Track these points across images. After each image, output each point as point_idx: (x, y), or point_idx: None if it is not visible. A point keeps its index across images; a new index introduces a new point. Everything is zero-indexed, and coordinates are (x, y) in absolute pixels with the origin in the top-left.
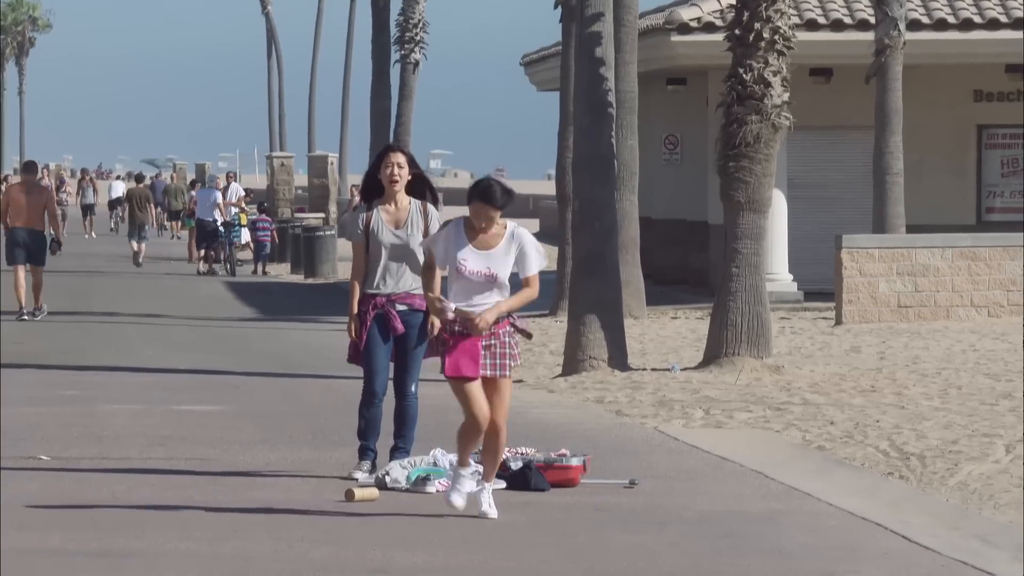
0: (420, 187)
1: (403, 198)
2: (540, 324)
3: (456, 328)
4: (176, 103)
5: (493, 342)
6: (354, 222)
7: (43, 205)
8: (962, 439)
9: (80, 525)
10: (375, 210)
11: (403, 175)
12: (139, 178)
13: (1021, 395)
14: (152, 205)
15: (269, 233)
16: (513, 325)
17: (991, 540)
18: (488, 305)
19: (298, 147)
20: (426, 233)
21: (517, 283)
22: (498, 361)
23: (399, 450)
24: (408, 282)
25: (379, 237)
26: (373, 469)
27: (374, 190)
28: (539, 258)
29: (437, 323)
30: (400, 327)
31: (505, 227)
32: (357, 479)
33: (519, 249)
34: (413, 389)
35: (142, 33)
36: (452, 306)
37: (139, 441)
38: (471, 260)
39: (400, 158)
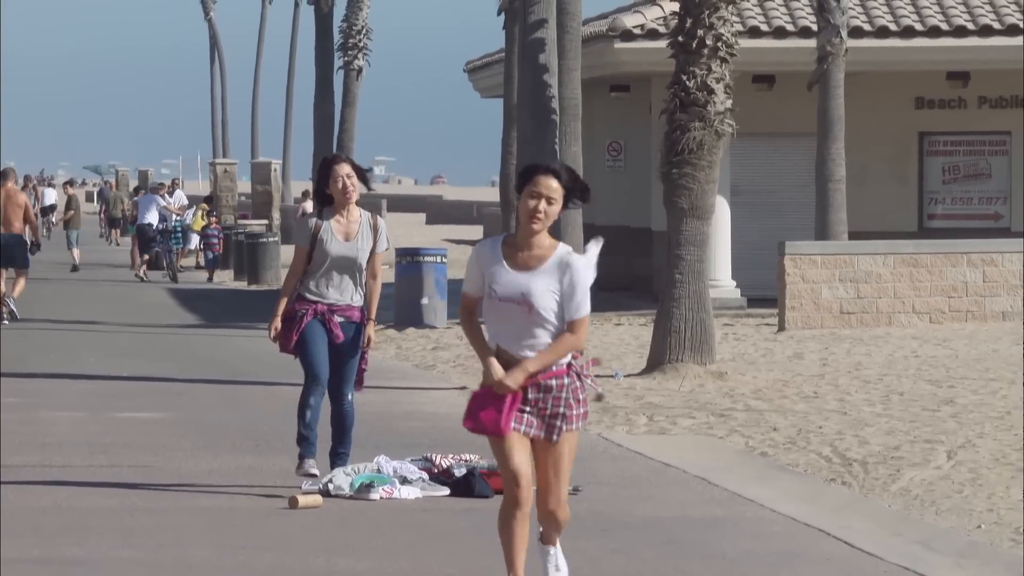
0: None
1: (355, 210)
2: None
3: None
4: (118, 107)
5: (541, 395)
6: (301, 228)
7: (22, 210)
8: (904, 445)
9: (22, 532)
10: (325, 220)
11: (355, 184)
12: (71, 183)
13: (962, 401)
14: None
15: (218, 240)
16: (577, 375)
17: (933, 546)
18: (536, 346)
19: (241, 153)
20: (374, 248)
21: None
22: (548, 421)
23: (340, 455)
24: (349, 295)
25: (326, 247)
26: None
27: (325, 202)
28: (588, 297)
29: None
30: (340, 335)
31: (556, 248)
32: (313, 475)
33: (569, 280)
34: (350, 397)
35: (82, 34)
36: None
37: (81, 448)
38: (502, 281)
39: (347, 168)
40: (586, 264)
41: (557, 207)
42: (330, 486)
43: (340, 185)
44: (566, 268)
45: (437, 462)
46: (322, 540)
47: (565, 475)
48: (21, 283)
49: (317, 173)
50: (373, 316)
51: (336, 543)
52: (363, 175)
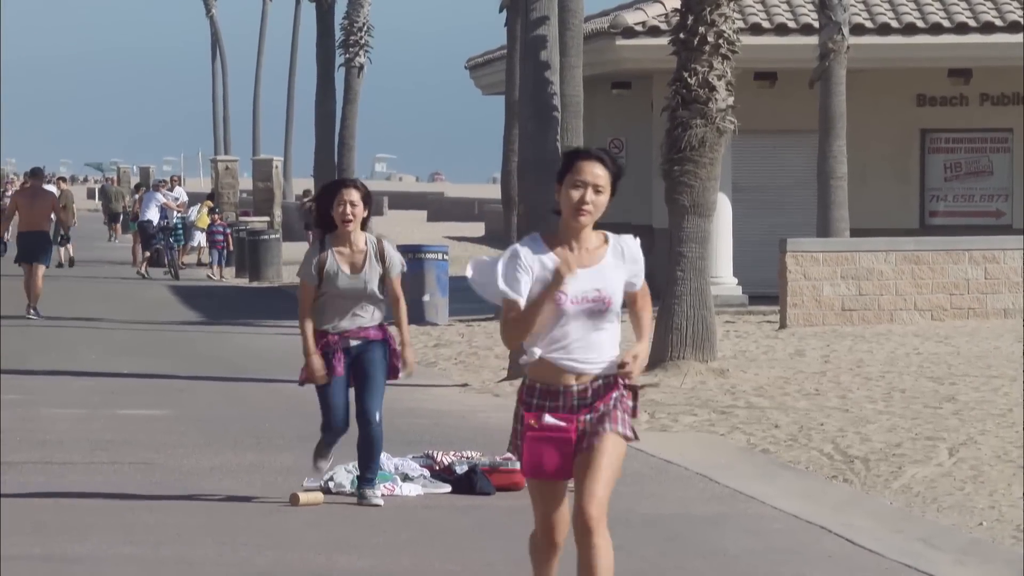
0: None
1: (359, 237)
2: (485, 328)
3: (536, 401)
4: (119, 105)
5: (590, 417)
6: (308, 262)
7: (49, 209)
8: (906, 442)
9: (23, 529)
10: (329, 251)
11: (357, 214)
12: (63, 179)
13: (963, 399)
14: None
15: (224, 237)
16: (630, 387)
17: (934, 543)
18: (602, 362)
19: (243, 150)
20: (384, 275)
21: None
22: (596, 425)
23: (367, 481)
24: (364, 320)
25: (335, 282)
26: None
27: (326, 223)
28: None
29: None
30: (341, 370)
31: (604, 236)
32: (327, 480)
33: (632, 258)
34: (377, 418)
35: (84, 33)
36: (536, 352)
37: (82, 445)
38: (570, 284)
39: (354, 195)
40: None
41: (605, 197)
42: (331, 484)
43: (341, 210)
44: (623, 251)
45: (438, 459)
46: (323, 537)
47: (605, 472)
48: (39, 279)
49: (323, 191)
50: (407, 340)
51: (337, 540)
52: (369, 203)
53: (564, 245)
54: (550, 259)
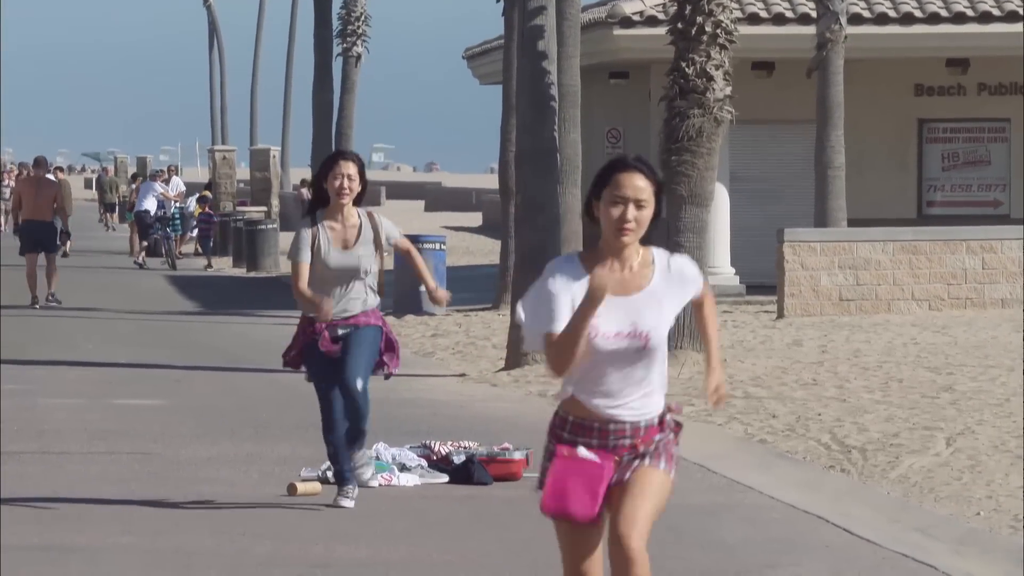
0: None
1: (351, 212)
2: (483, 317)
3: (567, 434)
4: (117, 95)
5: (628, 456)
6: (298, 239)
7: (52, 198)
8: (903, 432)
9: (21, 520)
10: (319, 226)
11: (353, 188)
12: (60, 168)
13: (961, 388)
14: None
15: (209, 226)
16: (674, 423)
17: (932, 533)
18: (644, 413)
19: (240, 140)
20: (379, 247)
21: None
22: (634, 461)
23: (341, 476)
24: (356, 306)
25: (325, 259)
26: (354, 489)
27: (321, 199)
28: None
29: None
30: (334, 348)
31: (651, 255)
32: (345, 507)
33: (683, 282)
34: (360, 385)
35: (82, 22)
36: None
37: (80, 435)
38: (605, 314)
39: (351, 168)
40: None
41: (649, 211)
42: (329, 473)
43: (338, 184)
44: (673, 271)
45: (436, 449)
46: (321, 527)
47: (647, 501)
48: (54, 269)
49: (321, 165)
50: (433, 283)
51: (334, 530)
52: (364, 180)
53: (604, 266)
54: (579, 277)
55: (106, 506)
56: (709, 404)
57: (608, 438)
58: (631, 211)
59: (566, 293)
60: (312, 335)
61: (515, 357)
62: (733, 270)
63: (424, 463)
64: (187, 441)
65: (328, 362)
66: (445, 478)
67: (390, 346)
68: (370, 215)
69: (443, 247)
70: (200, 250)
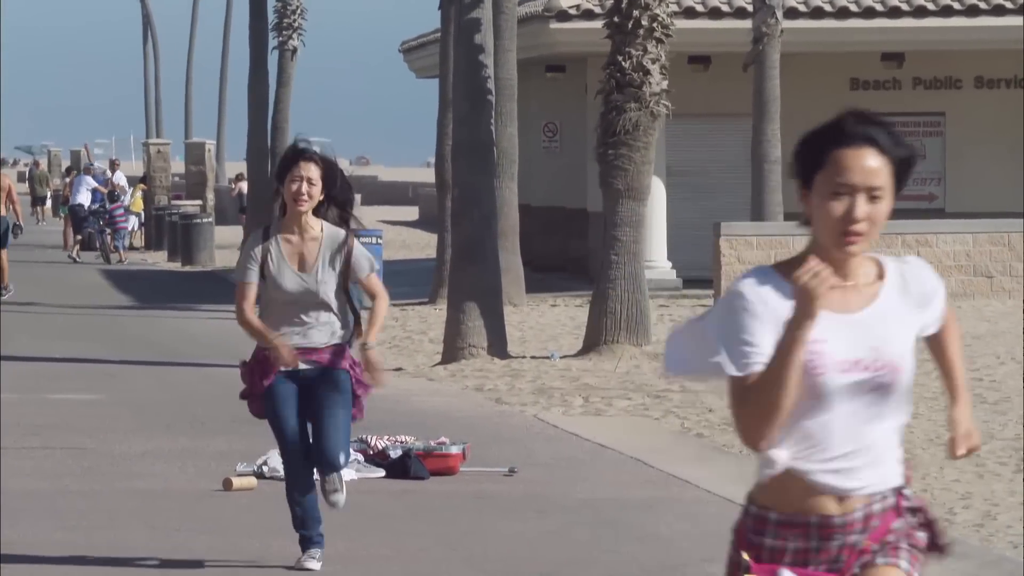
0: (340, 203)
1: (312, 224)
2: (419, 312)
3: (770, 540)
4: (48, 87)
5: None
6: (246, 255)
7: (5, 193)
8: None
9: None
10: (272, 239)
11: (314, 193)
12: None
13: None
14: None
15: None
16: (919, 511)
17: None
18: (885, 476)
19: (175, 133)
20: (346, 275)
21: None
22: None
23: (309, 541)
24: (321, 336)
25: (277, 279)
26: (321, 551)
27: (282, 206)
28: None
29: None
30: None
31: (879, 266)
32: (311, 568)
33: (923, 297)
34: (342, 460)
35: (9, 9)
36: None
37: (14, 430)
38: (832, 336)
39: (312, 170)
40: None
41: (886, 205)
42: (264, 468)
43: (295, 188)
44: (909, 283)
45: (372, 443)
46: (257, 522)
47: None
48: (3, 263)
49: (278, 168)
50: (370, 339)
51: (271, 525)
52: (338, 184)
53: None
54: (781, 294)
55: (40, 501)
56: (955, 453)
57: (833, 541)
58: (862, 206)
59: (768, 321)
60: (261, 365)
61: (452, 352)
62: (670, 264)
63: (360, 458)
64: (122, 436)
65: (292, 397)
66: (382, 472)
67: (357, 386)
68: (346, 238)
69: (380, 241)
70: (137, 244)
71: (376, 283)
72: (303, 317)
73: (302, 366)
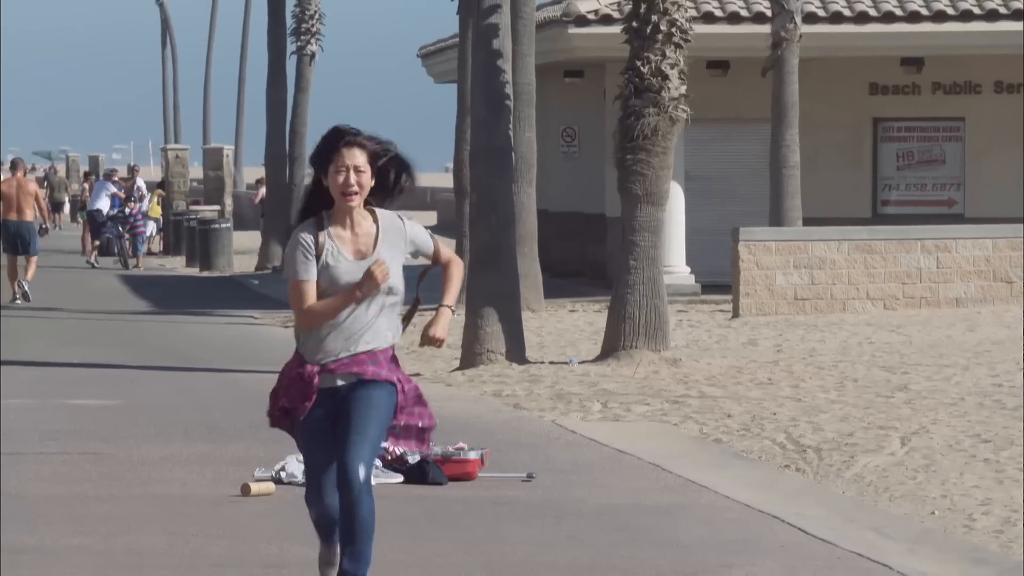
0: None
1: (363, 217)
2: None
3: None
4: (67, 93)
5: None
6: (295, 248)
7: (32, 199)
8: (858, 431)
9: None
10: (325, 231)
11: (364, 182)
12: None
13: (915, 388)
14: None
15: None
16: None
17: (886, 532)
18: None
19: (193, 139)
20: (419, 250)
21: None
22: None
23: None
24: (367, 340)
25: (333, 272)
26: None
27: (321, 201)
28: None
29: None
30: (304, 408)
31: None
32: None
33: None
34: (362, 475)
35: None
36: None
37: (32, 436)
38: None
39: (358, 157)
40: None
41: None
42: (283, 474)
43: (341, 179)
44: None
45: (391, 449)
46: (275, 527)
47: None
48: (32, 267)
49: (316, 154)
50: (449, 300)
51: (289, 530)
52: (398, 165)
53: None
54: None
55: (58, 506)
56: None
57: None
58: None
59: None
60: (298, 381)
61: (470, 357)
62: (688, 269)
63: (379, 463)
64: (140, 441)
65: (326, 431)
66: (400, 478)
67: (400, 404)
68: (396, 217)
69: None
70: (155, 249)
71: (448, 250)
72: (351, 319)
73: (339, 382)
